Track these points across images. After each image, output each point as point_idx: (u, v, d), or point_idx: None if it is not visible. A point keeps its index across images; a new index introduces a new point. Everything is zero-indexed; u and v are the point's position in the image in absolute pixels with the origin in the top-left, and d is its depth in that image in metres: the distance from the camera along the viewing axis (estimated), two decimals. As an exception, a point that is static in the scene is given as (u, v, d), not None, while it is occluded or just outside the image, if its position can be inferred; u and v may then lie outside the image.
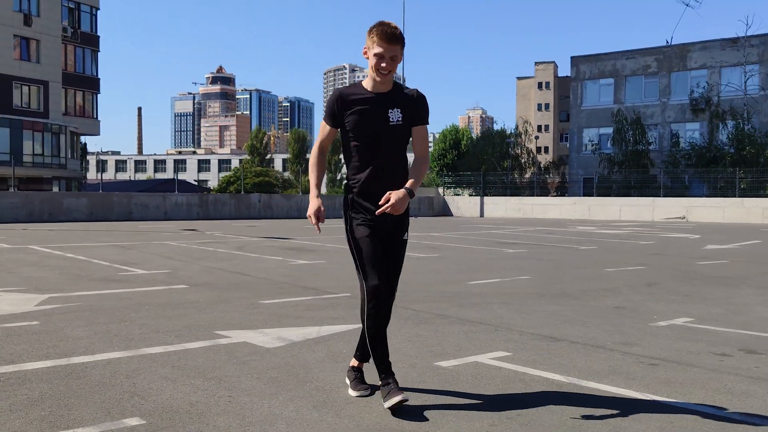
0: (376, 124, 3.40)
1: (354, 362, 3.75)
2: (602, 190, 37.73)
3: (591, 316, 6.16)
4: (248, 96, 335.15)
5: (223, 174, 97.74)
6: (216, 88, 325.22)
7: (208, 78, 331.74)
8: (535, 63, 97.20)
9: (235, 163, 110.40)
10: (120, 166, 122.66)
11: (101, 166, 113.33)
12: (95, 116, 54.46)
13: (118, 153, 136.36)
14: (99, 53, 54.22)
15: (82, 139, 56.86)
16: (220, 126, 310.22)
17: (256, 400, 3.50)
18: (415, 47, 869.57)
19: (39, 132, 46.94)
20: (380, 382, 3.44)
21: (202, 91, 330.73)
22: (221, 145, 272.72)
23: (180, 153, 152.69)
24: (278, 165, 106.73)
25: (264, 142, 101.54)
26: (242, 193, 28.64)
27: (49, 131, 47.62)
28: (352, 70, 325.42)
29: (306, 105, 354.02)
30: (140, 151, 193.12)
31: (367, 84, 3.46)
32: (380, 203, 3.28)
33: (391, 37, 3.29)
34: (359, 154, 3.45)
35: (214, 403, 3.45)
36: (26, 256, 11.04)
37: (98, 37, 54.20)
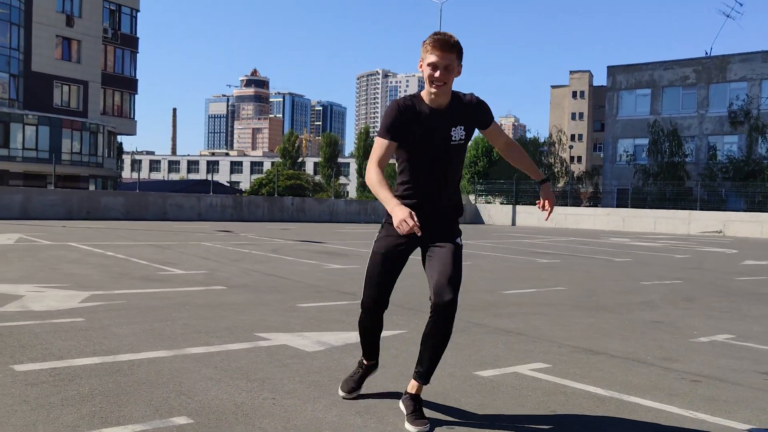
0: (437, 143, 3.24)
1: (412, 387, 3.38)
2: (636, 202, 37.30)
3: (629, 330, 6.11)
4: (281, 99, 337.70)
5: (255, 176, 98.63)
6: (250, 90, 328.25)
7: (242, 81, 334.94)
8: (570, 72, 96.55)
9: (267, 165, 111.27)
10: (154, 166, 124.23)
11: (136, 165, 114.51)
12: (132, 116, 55.33)
13: (152, 153, 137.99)
14: (137, 54, 55.08)
15: (119, 138, 57.71)
16: (253, 128, 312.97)
17: (299, 404, 3.55)
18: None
19: (78, 131, 47.80)
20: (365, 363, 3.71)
21: (236, 93, 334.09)
22: (254, 148, 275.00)
23: (213, 154, 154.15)
24: (309, 168, 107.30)
25: (296, 145, 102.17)
26: (275, 195, 28.83)
27: (88, 130, 48.47)
28: (385, 76, 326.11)
29: (338, 109, 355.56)
30: (174, 152, 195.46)
31: (426, 97, 3.25)
32: (545, 210, 3.53)
33: (444, 45, 3.11)
34: (413, 172, 3.29)
35: (259, 405, 3.50)
36: (67, 253, 11.26)
37: (137, 38, 55.08)
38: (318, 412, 3.43)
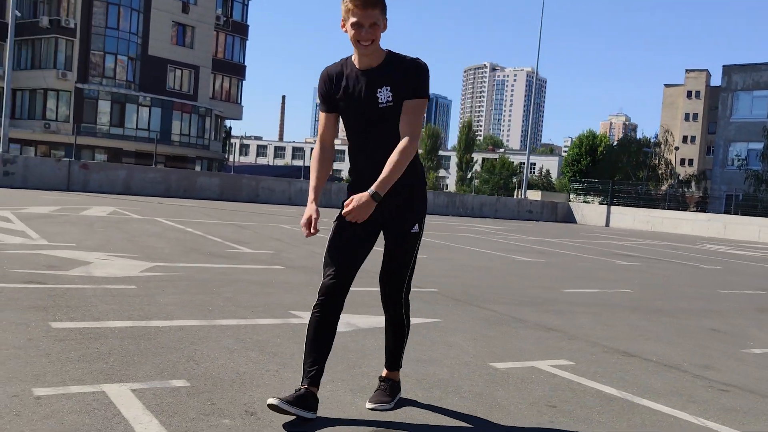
0: (364, 107, 2.97)
1: (384, 372, 3.45)
2: (745, 209, 35.39)
3: (680, 336, 5.88)
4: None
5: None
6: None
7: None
8: (686, 70, 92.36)
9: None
10: (261, 151, 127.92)
11: (244, 150, 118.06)
12: (239, 102, 57.22)
13: (260, 138, 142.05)
14: (247, 41, 56.86)
15: (228, 122, 59.89)
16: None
17: (299, 377, 3.64)
18: (558, 48, 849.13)
19: (187, 114, 49.95)
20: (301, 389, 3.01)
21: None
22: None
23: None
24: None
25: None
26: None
27: (197, 113, 50.56)
28: (493, 69, 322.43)
29: (444, 102, 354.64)
30: (281, 138, 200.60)
31: (354, 59, 3.00)
32: (345, 206, 2.90)
33: (366, 3, 2.80)
34: (351, 140, 3.08)
35: (259, 375, 3.62)
36: (151, 227, 11.85)
37: (247, 26, 56.85)
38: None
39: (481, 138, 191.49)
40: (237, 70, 55.94)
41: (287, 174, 45.91)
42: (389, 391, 3.34)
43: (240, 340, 4.34)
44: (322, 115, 3.07)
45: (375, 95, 2.95)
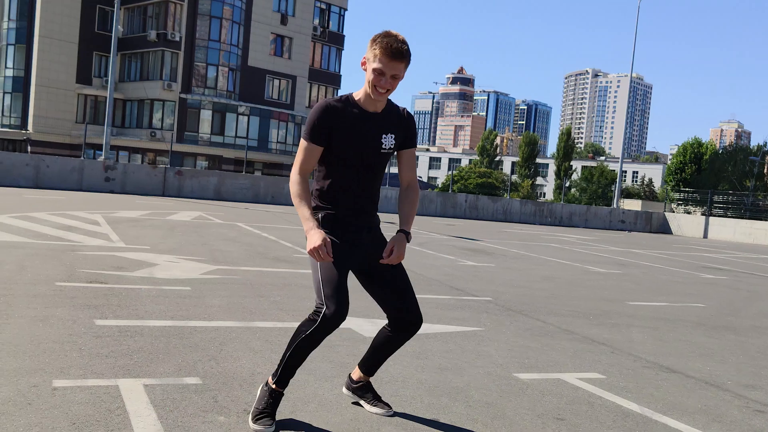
0: (368, 150, 3.03)
1: (362, 376, 3.42)
2: None
3: (738, 354, 5.61)
4: (486, 97, 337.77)
5: (450, 173, 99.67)
6: (455, 88, 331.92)
7: (448, 78, 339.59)
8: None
9: (465, 162, 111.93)
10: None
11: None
12: (334, 110, 58.21)
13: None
14: (342, 51, 57.91)
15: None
16: (456, 126, 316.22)
17: (310, 380, 3.74)
18: (666, 53, 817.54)
19: (284, 122, 51.33)
20: (273, 389, 3.08)
21: (442, 90, 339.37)
22: (455, 145, 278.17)
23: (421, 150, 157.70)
24: (507, 167, 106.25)
25: (494, 143, 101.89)
26: (449, 191, 29.10)
27: (293, 122, 51.87)
28: (595, 75, 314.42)
29: (543, 109, 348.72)
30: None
31: (361, 100, 3.02)
32: (385, 256, 3.05)
33: (395, 54, 2.85)
34: (340, 175, 3.04)
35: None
36: (228, 231, 12.29)
37: (344, 36, 57.89)
38: (319, 390, 3.60)
39: (582, 146, 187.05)
40: (333, 80, 57.01)
41: (390, 183, 46.36)
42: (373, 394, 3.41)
43: (268, 342, 4.48)
44: (308, 146, 2.98)
45: (380, 140, 3.04)
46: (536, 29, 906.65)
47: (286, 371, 3.07)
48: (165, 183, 22.95)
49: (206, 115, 48.03)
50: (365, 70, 2.95)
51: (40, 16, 45.69)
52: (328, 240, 2.88)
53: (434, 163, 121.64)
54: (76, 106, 47.52)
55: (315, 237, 2.86)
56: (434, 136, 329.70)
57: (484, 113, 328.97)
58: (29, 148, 44.10)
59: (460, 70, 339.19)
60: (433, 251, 12.15)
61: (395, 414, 3.35)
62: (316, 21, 54.64)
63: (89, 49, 47.40)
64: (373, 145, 3.03)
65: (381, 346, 3.33)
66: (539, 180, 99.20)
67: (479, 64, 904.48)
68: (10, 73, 48.33)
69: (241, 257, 8.74)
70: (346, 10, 58.55)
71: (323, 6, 56.16)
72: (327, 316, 2.96)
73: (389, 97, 3.09)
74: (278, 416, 3.14)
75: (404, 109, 3.16)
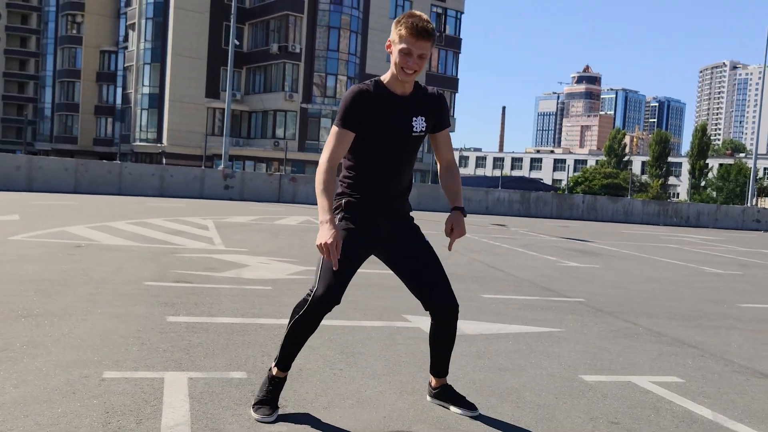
0: (399, 133, 2.97)
1: (438, 382, 3.37)
2: None
3: None
4: (614, 96, 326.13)
5: (574, 174, 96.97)
6: (581, 87, 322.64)
7: (573, 77, 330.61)
8: None
9: (591, 163, 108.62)
10: (480, 162, 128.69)
11: (463, 161, 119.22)
12: (452, 114, 58.15)
13: (479, 150, 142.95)
14: (460, 55, 57.70)
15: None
16: (582, 126, 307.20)
17: (357, 378, 3.69)
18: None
19: (401, 128, 51.81)
20: (277, 374, 3.09)
21: (567, 90, 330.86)
22: (581, 145, 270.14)
23: (538, 152, 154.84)
24: (636, 167, 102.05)
25: (622, 143, 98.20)
26: (565, 192, 28.22)
27: (410, 127, 52.25)
28: (733, 68, 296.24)
29: (676, 105, 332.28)
30: (501, 149, 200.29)
31: (389, 83, 2.96)
32: (449, 238, 3.12)
33: (421, 32, 2.82)
34: (369, 161, 2.99)
35: (319, 372, 3.72)
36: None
37: (460, 39, 57.70)
38: (363, 386, 3.55)
39: (720, 142, 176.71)
40: (450, 84, 56.91)
41: (508, 185, 45.69)
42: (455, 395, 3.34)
43: (329, 340, 4.47)
44: (340, 132, 2.89)
45: (411, 123, 2.99)
46: (667, 22, 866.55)
47: (284, 352, 3.08)
48: (280, 190, 23.68)
49: (326, 123, 49.23)
50: (391, 52, 2.92)
51: (172, 36, 48.52)
52: (339, 241, 2.77)
53: (559, 164, 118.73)
54: (205, 119, 50.03)
55: (327, 234, 2.75)
56: (559, 138, 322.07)
57: (612, 112, 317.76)
58: (164, 160, 46.85)
59: (586, 69, 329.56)
60: (536, 252, 11.81)
61: (436, 411, 3.24)
62: (432, 25, 54.78)
63: (217, 64, 49.81)
64: (404, 129, 2.98)
65: (433, 342, 3.31)
66: (672, 180, 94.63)
67: (606, 61, 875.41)
68: (146, 90, 51.64)
69: (334, 259, 8.82)
70: (462, 13, 58.39)
71: (439, 10, 56.26)
72: (315, 298, 2.94)
73: (419, 83, 3.05)
74: (312, 409, 3.12)
75: (434, 89, 3.11)
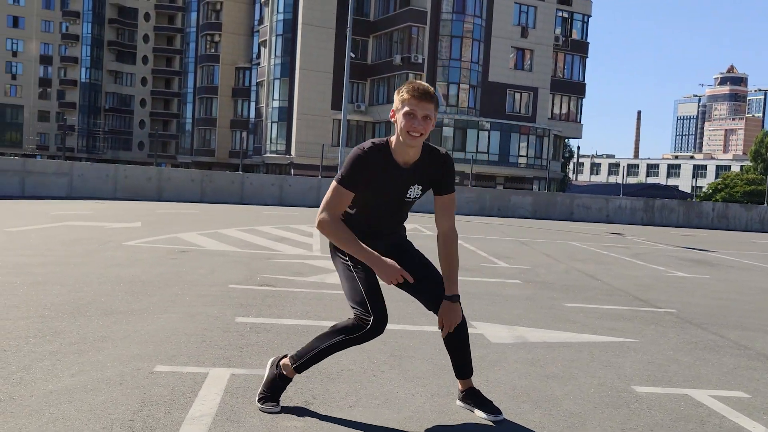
0: (393, 199, 3.08)
1: (464, 384, 3.36)
2: None
3: None
4: (762, 97, 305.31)
5: (714, 180, 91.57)
6: (724, 89, 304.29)
7: (716, 79, 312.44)
8: None
9: (735, 169, 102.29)
10: (612, 169, 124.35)
11: (594, 169, 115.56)
12: (578, 120, 56.63)
13: (612, 156, 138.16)
14: (587, 59, 56.14)
15: (573, 142, 59.66)
16: (726, 130, 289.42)
17: (395, 379, 3.75)
18: None
19: (525, 135, 50.95)
20: (290, 365, 3.20)
21: (708, 93, 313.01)
22: (725, 150, 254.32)
23: (676, 157, 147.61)
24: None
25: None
26: (692, 200, 26.73)
27: (534, 134, 51.30)
28: None
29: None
30: (636, 155, 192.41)
31: (395, 149, 2.98)
32: (442, 327, 3.11)
33: (424, 95, 2.86)
34: (363, 215, 3.10)
35: (358, 373, 3.81)
36: (430, 242, 12.47)
37: (587, 43, 56.12)
38: (396, 387, 3.60)
39: None
40: (576, 89, 55.46)
41: (638, 192, 43.91)
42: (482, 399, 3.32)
43: (382, 342, 4.55)
44: (340, 190, 2.96)
45: (405, 192, 3.06)
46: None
47: (313, 361, 3.18)
48: (395, 198, 23.95)
49: (448, 132, 49.31)
50: (395, 121, 2.94)
51: (300, 51, 50.34)
52: (400, 268, 2.90)
53: (699, 171, 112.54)
54: (331, 131, 51.45)
55: (385, 264, 2.89)
56: (700, 143, 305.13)
57: (760, 114, 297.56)
58: (292, 171, 48.59)
59: (730, 69, 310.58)
60: (644, 262, 11.33)
61: (458, 414, 3.24)
62: (558, 30, 53.66)
63: (342, 77, 51.07)
64: (397, 196, 3.07)
65: (446, 344, 3.31)
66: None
67: (752, 60, 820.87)
68: (276, 104, 53.83)
69: (426, 266, 8.88)
70: (590, 16, 56.76)
71: (565, 15, 54.97)
72: (376, 322, 3.05)
73: (430, 144, 3.07)
74: (335, 408, 3.22)
75: (442, 151, 3.08)
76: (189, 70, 73.73)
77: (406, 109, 2.88)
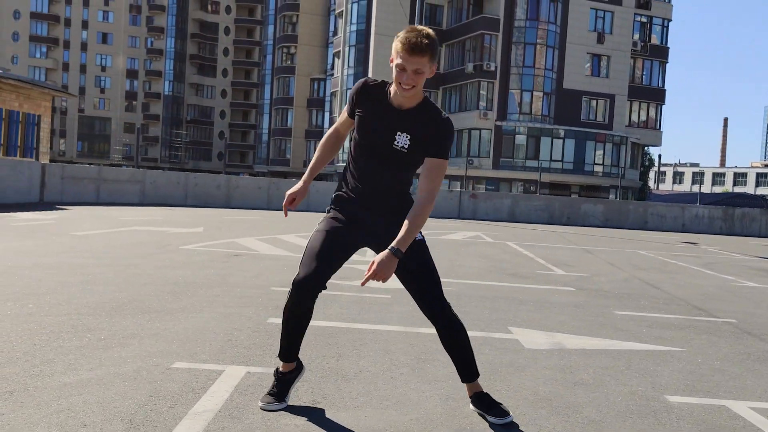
0: (379, 142, 2.98)
1: (471, 388, 3.26)
2: None
3: None
4: None
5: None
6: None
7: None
8: None
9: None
10: (696, 178, 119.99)
11: (678, 177, 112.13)
12: (658, 127, 54.93)
13: (696, 165, 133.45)
14: (667, 65, 54.46)
15: (654, 150, 57.92)
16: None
17: (411, 382, 3.67)
18: None
19: (601, 143, 49.76)
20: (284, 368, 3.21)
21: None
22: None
23: (766, 166, 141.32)
24: None
25: None
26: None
27: (611, 142, 50.05)
28: None
29: None
30: (722, 164, 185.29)
31: (391, 92, 2.96)
32: (366, 273, 2.79)
33: (414, 48, 2.76)
34: (356, 159, 3.06)
35: (375, 375, 3.75)
36: (489, 249, 12.34)
37: (668, 48, 54.47)
38: (411, 390, 3.53)
39: None
40: (656, 95, 53.86)
41: (721, 202, 42.18)
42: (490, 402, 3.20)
43: (409, 345, 4.48)
44: (343, 111, 3.14)
45: (393, 136, 2.95)
46: None
47: (281, 342, 3.18)
48: (460, 206, 23.77)
49: (521, 140, 48.70)
50: (392, 65, 2.87)
51: (372, 61, 50.75)
52: (299, 197, 3.14)
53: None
54: (403, 139, 51.60)
55: (296, 186, 3.18)
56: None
57: None
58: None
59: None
60: (714, 271, 10.83)
61: (471, 419, 3.14)
62: (636, 36, 52.28)
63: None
64: (384, 139, 2.97)
65: (443, 345, 3.22)
66: None
67: None
68: (351, 71, 54.65)
69: (479, 272, 8.75)
70: (670, 20, 55.12)
71: (644, 19, 53.52)
72: (295, 282, 2.97)
73: (431, 102, 2.99)
74: (343, 407, 3.16)
75: (443, 115, 2.94)
76: (266, 82, 75.40)
77: (398, 61, 2.81)
